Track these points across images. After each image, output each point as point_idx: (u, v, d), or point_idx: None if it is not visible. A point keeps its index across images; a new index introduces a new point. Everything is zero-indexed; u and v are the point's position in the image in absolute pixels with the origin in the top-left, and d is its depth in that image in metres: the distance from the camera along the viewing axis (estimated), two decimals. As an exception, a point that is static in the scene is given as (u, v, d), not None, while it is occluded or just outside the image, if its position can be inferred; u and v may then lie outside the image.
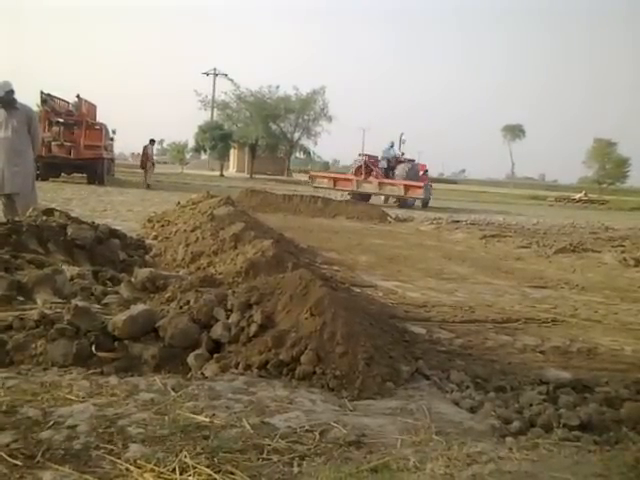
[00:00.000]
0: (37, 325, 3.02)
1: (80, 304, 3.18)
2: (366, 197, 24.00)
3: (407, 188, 23.17)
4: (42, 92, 20.93)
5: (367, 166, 24.64)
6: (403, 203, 23.56)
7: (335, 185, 24.27)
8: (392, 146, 26.14)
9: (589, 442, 2.42)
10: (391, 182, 23.91)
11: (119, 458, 1.99)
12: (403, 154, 26.53)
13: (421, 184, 23.28)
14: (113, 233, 5.89)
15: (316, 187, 24.11)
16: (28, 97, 10.98)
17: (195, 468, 1.94)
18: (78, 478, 1.85)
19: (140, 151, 26.35)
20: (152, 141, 25.49)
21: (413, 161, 26.69)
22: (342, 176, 25.01)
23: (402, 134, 26.41)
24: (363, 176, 24.13)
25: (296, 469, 2.01)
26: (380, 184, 23.57)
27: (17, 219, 5.50)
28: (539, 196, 49.34)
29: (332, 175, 25.44)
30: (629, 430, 2.57)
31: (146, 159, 24.61)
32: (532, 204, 39.37)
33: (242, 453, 2.08)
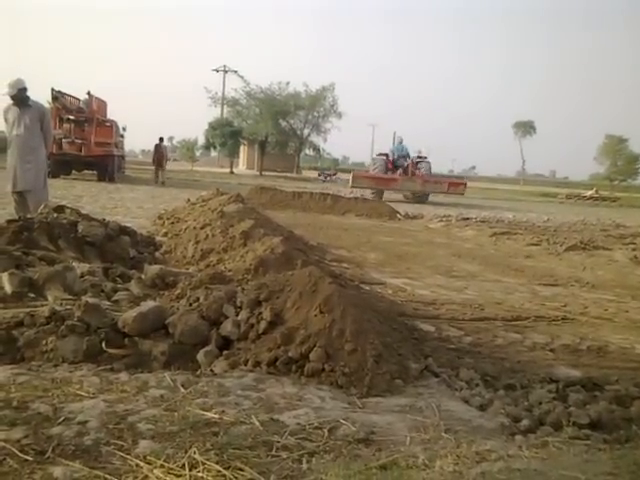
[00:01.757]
0: (48, 322, 3.04)
1: (90, 301, 3.20)
2: (381, 193, 24.04)
3: (450, 185, 24.26)
4: (53, 89, 21.00)
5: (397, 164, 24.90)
6: (422, 198, 24.08)
7: (378, 185, 24.13)
8: (401, 142, 26.10)
9: (599, 440, 2.42)
10: (435, 180, 24.55)
11: (129, 454, 2.00)
12: (421, 151, 26.72)
13: (464, 181, 23.54)
14: (123, 230, 5.93)
15: (355, 187, 24.07)
16: (39, 94, 11.06)
17: (204, 464, 1.95)
18: (88, 474, 1.87)
19: (150, 148, 26.56)
20: (161, 139, 25.69)
21: (426, 158, 26.73)
22: (387, 176, 24.89)
23: (395, 132, 26.44)
24: (410, 175, 24.27)
25: (305, 466, 2.02)
26: (424, 182, 23.87)
27: (29, 216, 5.54)
28: (550, 193, 48.86)
29: (377, 175, 25.33)
30: (639, 429, 2.56)
31: (161, 157, 24.87)
32: (542, 201, 39.11)
33: (251, 450, 2.09)
